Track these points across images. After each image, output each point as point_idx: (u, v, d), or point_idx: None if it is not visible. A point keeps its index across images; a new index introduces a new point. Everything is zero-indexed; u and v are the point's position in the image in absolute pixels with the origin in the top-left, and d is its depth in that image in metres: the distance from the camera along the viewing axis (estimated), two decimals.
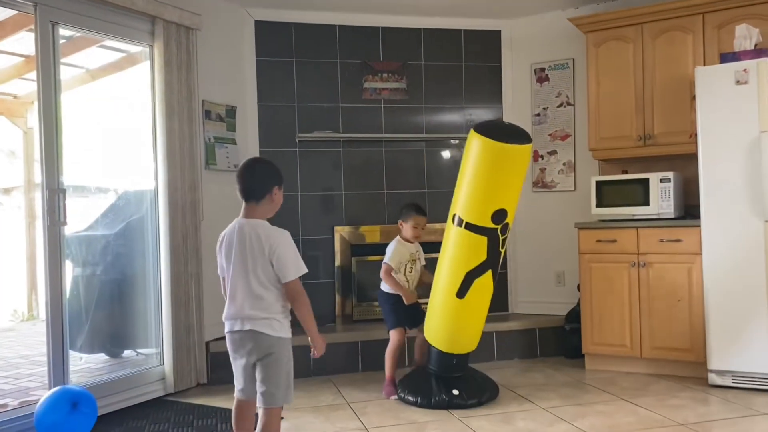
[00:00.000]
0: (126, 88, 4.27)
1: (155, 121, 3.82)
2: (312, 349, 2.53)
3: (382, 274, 3.80)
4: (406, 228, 3.83)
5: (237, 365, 2.50)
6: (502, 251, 3.34)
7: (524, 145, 3.16)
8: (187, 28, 3.94)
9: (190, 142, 3.94)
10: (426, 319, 3.59)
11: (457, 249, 3.31)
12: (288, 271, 2.42)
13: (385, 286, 3.84)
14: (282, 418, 3.30)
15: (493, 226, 3.21)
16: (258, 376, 2.46)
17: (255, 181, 2.50)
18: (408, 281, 3.82)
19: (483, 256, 3.26)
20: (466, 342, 3.51)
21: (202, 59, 4.12)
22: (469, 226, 3.22)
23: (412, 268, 3.83)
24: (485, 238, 3.22)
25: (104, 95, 4.43)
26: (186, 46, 3.94)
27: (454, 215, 3.32)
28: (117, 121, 4.15)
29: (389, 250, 3.84)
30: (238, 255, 2.44)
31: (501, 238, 3.27)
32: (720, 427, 3.01)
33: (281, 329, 2.45)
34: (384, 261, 3.81)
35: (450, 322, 3.43)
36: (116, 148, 4.13)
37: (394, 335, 3.76)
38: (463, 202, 3.26)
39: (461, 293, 3.31)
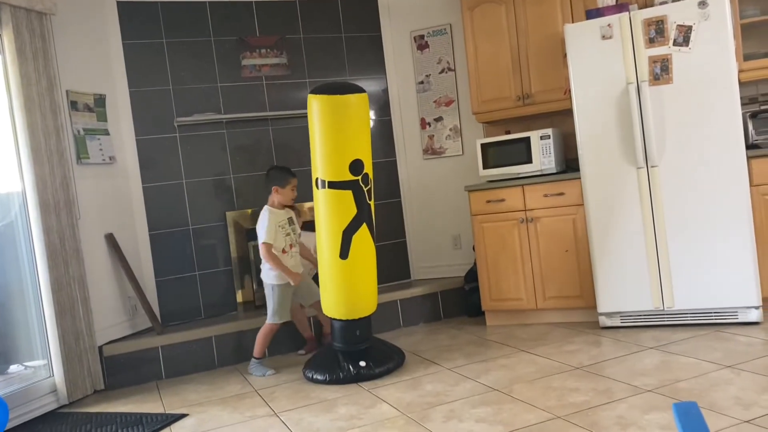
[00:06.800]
0: None
1: (13, 116, 3.51)
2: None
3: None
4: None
5: None
6: (371, 203, 3.50)
7: (359, 94, 3.40)
8: (39, 13, 3.62)
9: (57, 136, 3.66)
10: (321, 296, 3.60)
11: (327, 209, 3.44)
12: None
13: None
14: (187, 414, 3.20)
15: (353, 177, 3.39)
16: None
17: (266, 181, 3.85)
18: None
19: (353, 210, 3.42)
20: (364, 304, 3.55)
21: (61, 46, 3.83)
22: (332, 184, 3.39)
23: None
24: (350, 192, 3.40)
25: None
26: (40, 32, 3.63)
27: (316, 180, 3.45)
28: None
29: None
30: None
31: (365, 189, 3.45)
32: (612, 365, 3.19)
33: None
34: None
35: (342, 287, 3.49)
36: None
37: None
38: (320, 163, 3.42)
39: (344, 253, 3.44)
